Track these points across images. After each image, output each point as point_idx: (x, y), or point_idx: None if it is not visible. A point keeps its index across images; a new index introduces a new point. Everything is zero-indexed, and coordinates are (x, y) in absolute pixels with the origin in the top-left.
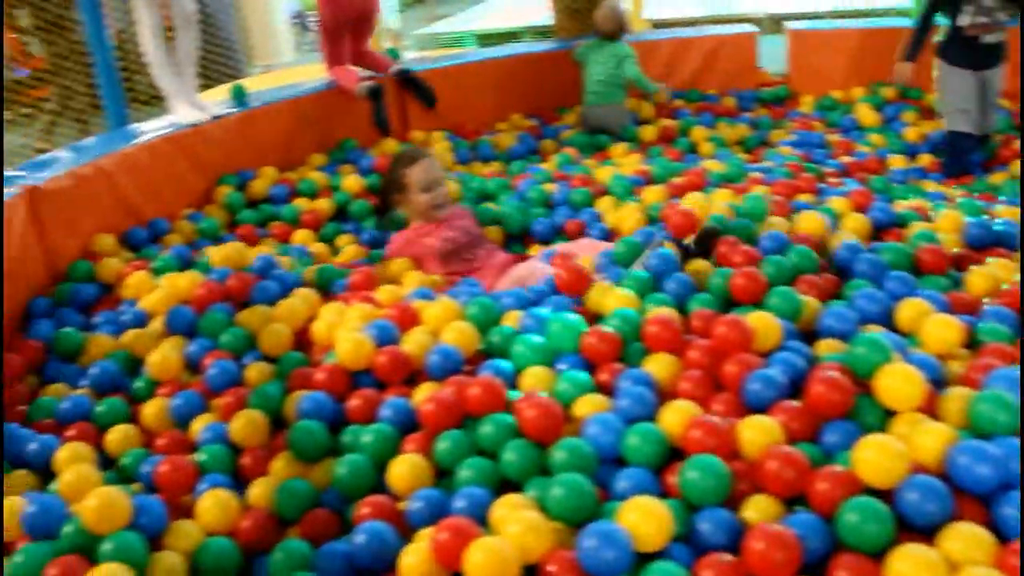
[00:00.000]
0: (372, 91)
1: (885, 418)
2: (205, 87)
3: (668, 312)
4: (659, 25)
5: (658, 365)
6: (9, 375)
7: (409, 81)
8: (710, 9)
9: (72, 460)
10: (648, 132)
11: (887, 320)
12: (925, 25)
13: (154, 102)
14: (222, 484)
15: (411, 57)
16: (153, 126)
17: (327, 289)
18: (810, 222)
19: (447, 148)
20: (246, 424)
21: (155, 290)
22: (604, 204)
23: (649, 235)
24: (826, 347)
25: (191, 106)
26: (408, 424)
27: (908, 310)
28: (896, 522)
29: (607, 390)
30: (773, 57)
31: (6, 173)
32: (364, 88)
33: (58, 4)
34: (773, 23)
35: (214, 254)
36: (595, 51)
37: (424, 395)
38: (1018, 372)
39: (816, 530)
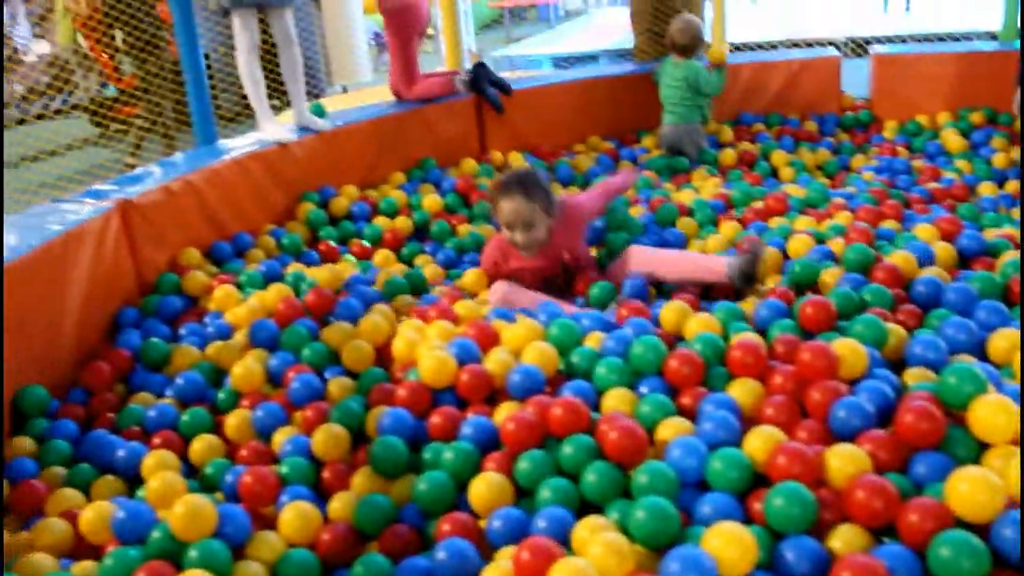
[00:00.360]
0: (473, 81)
1: (978, 450)
2: (287, 105)
3: (753, 337)
4: (739, 48)
5: (741, 390)
6: (98, 383)
7: (484, 72)
8: (790, 32)
9: (159, 468)
10: (727, 156)
11: (978, 350)
12: None
13: (238, 119)
14: (304, 497)
15: None
16: (239, 143)
17: (391, 299)
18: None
19: None
20: (328, 438)
21: (240, 303)
22: (686, 226)
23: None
24: (915, 376)
25: (279, 123)
26: (489, 443)
27: (1001, 340)
28: (990, 558)
29: (689, 414)
30: (855, 81)
31: (101, 187)
32: (462, 82)
33: (152, 24)
34: (855, 47)
35: (314, 275)
36: (669, 69)
37: (505, 414)
38: None
39: (906, 563)
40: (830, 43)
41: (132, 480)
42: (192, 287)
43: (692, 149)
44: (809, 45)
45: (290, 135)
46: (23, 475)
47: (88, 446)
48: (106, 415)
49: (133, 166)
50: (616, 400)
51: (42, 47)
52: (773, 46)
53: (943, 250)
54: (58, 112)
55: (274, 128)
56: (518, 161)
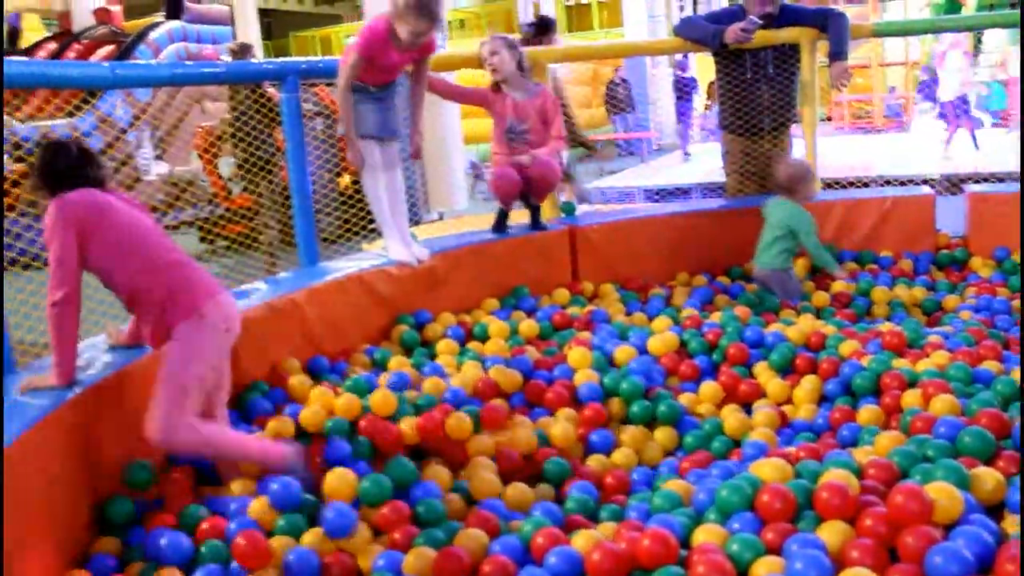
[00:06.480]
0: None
1: None
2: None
3: (843, 476)
4: (832, 185)
5: (830, 532)
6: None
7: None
8: (883, 170)
9: None
10: (820, 297)
11: None
12: None
13: (339, 240)
14: None
15: (583, 210)
16: (340, 264)
17: None
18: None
19: (616, 300)
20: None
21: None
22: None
23: None
24: (1015, 524)
25: (404, 244)
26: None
27: None
28: None
29: (776, 551)
30: (950, 219)
31: None
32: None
33: (267, 151)
34: (950, 185)
35: None
36: (771, 208)
37: (588, 543)
38: None
39: None
40: (924, 181)
41: None
42: (294, 393)
43: (782, 293)
44: (902, 183)
45: (412, 258)
46: None
47: None
48: None
49: (239, 281)
50: (707, 535)
51: (162, 168)
52: (865, 183)
53: None
54: (170, 228)
55: (399, 248)
56: (609, 293)
